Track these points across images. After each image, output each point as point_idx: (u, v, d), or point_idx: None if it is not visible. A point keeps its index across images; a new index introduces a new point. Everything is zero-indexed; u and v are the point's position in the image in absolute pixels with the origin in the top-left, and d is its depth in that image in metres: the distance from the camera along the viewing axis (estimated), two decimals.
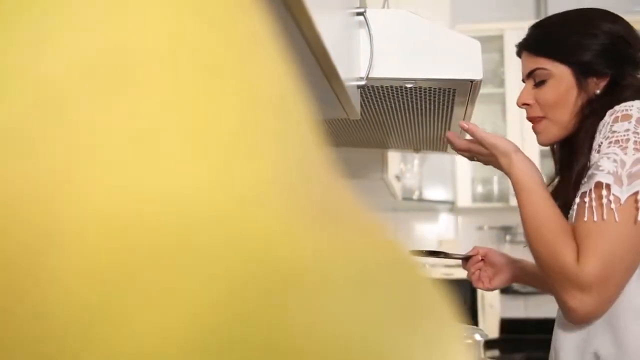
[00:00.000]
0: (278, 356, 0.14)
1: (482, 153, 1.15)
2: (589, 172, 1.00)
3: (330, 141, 1.13)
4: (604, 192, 0.95)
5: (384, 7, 1.40)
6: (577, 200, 0.99)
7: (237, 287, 0.14)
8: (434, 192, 3.09)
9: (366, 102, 1.18)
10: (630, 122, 0.97)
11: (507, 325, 2.68)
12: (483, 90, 3.15)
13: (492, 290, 1.33)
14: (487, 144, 1.11)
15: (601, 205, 0.95)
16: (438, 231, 3.36)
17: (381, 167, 1.81)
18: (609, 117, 1.00)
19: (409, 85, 1.05)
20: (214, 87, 0.16)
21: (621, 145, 0.95)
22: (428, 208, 3.24)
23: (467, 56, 1.01)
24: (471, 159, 1.23)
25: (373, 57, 0.99)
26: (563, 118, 1.11)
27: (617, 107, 1.01)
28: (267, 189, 0.16)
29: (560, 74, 1.10)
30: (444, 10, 3.08)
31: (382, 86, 1.07)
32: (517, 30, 2.99)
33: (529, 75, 1.15)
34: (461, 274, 2.72)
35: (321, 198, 0.19)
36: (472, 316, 2.60)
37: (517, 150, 1.10)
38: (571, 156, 1.10)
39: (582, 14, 1.15)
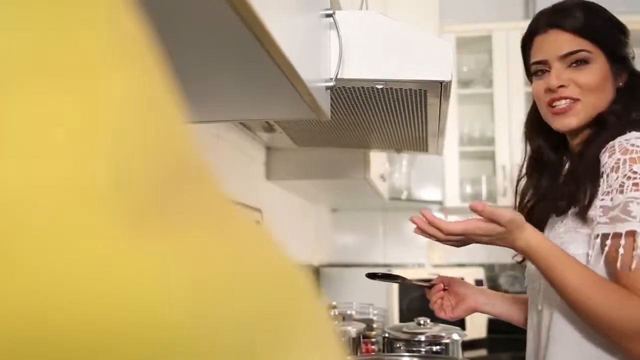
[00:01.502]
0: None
1: (490, 232, 1.02)
2: (614, 212, 0.97)
3: (312, 141, 1.14)
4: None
5: (361, 8, 1.40)
6: (609, 242, 0.97)
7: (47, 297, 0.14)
8: (423, 192, 3.10)
9: (340, 103, 1.19)
10: None
11: (494, 324, 2.68)
12: (472, 91, 3.17)
13: (454, 319, 1.28)
14: (505, 220, 1.00)
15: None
16: None
17: (363, 167, 1.82)
18: (620, 153, 0.98)
19: (379, 86, 1.05)
20: (58, 89, 0.16)
21: None
22: (417, 208, 3.25)
23: (437, 57, 1.02)
24: (464, 244, 1.09)
25: (343, 58, 1.00)
26: (598, 103, 1.09)
27: (625, 144, 0.99)
28: (103, 194, 0.16)
29: (601, 60, 1.10)
30: (432, 10, 3.09)
31: (354, 87, 1.07)
32: (506, 31, 3.03)
33: (567, 55, 1.10)
34: (446, 273, 2.72)
35: (184, 204, 0.19)
36: (460, 321, 2.60)
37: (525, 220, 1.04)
38: (577, 168, 1.08)
39: (605, 9, 1.15)
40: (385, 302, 2.54)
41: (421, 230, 1.07)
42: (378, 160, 2.02)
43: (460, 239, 1.06)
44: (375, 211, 3.32)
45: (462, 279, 1.34)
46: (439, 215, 3.42)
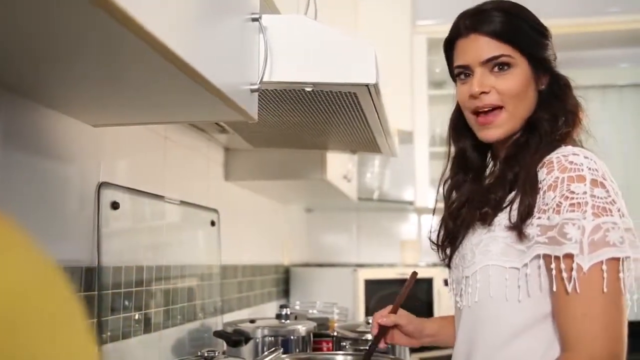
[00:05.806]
0: None
1: None
2: (552, 232, 0.96)
3: (267, 143, 1.16)
4: (574, 265, 0.93)
5: (306, 12, 1.42)
6: (553, 265, 0.96)
7: None
8: (395, 193, 3.12)
9: (278, 105, 1.21)
10: (585, 185, 0.95)
11: None
12: (444, 91, 3.20)
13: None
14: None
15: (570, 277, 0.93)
16: (400, 231, 3.39)
17: (320, 168, 1.84)
18: (559, 171, 0.97)
19: (308, 89, 1.07)
20: None
21: (582, 209, 0.94)
22: (390, 208, 3.27)
23: (362, 61, 1.04)
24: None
25: (270, 62, 1.02)
26: (522, 111, 1.08)
27: (564, 162, 0.98)
28: None
29: (522, 65, 1.08)
30: (405, 12, 3.11)
31: (286, 90, 1.09)
32: None
33: (488, 61, 1.08)
34: (422, 273, 2.74)
35: None
36: (429, 314, 2.62)
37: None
38: (505, 170, 1.07)
39: (527, 10, 1.13)
40: (352, 301, 2.56)
41: None
42: (338, 161, 2.04)
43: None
44: (349, 211, 3.34)
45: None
46: (412, 215, 3.43)
